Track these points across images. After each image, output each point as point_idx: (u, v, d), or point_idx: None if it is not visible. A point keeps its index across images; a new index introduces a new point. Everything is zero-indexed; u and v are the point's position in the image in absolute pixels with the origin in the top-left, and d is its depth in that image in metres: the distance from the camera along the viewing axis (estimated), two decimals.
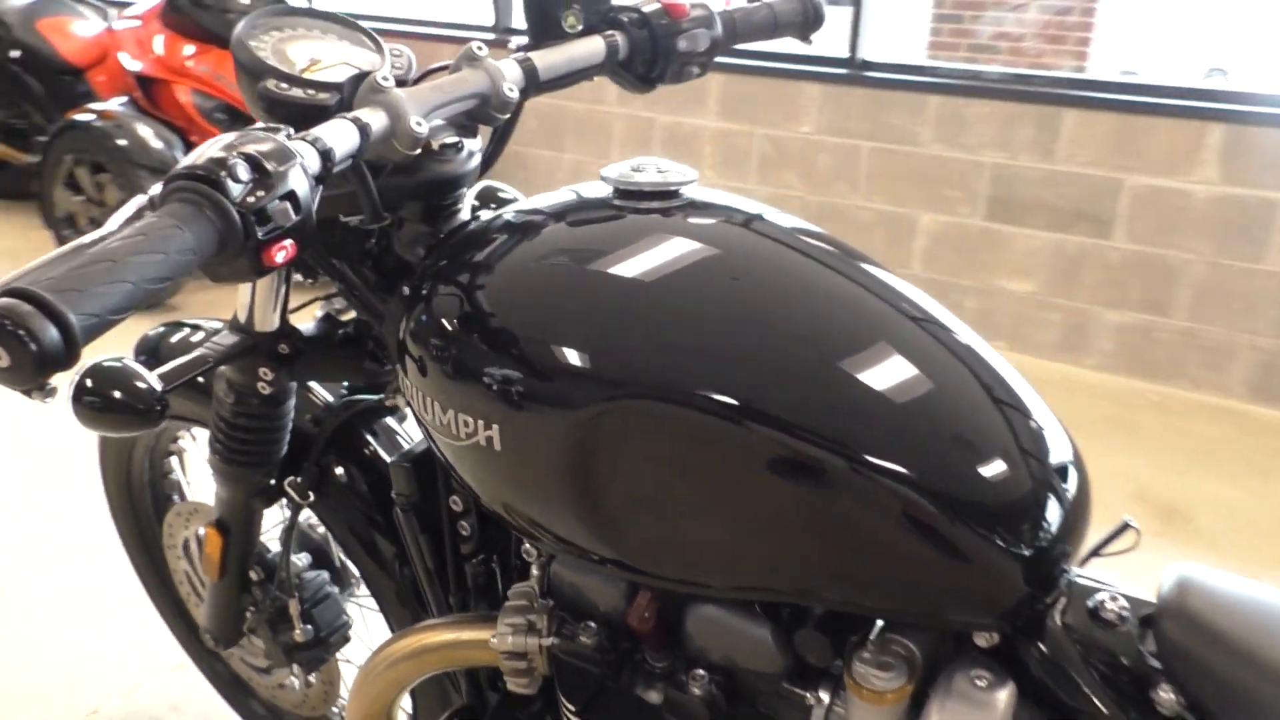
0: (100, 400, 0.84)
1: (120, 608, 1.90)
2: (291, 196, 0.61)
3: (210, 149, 0.60)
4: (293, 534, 1.12)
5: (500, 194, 1.14)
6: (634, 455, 0.72)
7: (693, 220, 0.82)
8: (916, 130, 3.57)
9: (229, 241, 0.58)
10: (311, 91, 0.80)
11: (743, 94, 3.87)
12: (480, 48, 0.87)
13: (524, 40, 0.95)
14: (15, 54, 4.23)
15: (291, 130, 0.65)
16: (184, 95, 3.65)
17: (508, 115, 0.86)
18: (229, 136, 0.61)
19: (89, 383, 0.85)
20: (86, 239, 0.62)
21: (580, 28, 0.94)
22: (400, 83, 0.88)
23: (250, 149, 0.60)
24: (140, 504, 1.46)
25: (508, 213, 0.89)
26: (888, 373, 0.71)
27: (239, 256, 0.59)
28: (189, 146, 3.65)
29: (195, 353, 0.94)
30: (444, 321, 0.79)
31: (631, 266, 0.77)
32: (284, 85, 0.80)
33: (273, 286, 0.96)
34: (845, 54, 3.69)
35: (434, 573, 0.99)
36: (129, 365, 0.87)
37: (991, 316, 3.57)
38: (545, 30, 0.94)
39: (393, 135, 0.77)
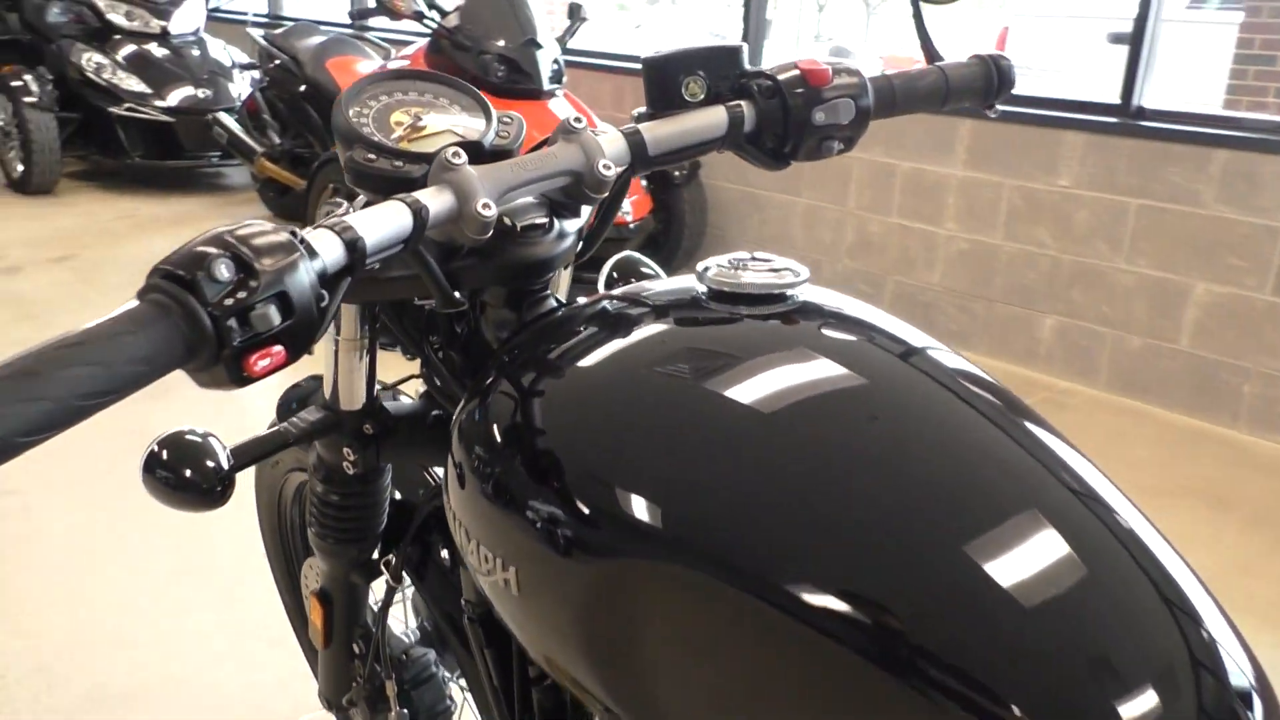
0: (170, 476, 0.82)
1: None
2: (282, 298, 0.54)
3: (199, 240, 0.54)
4: (387, 614, 1.07)
5: (642, 269, 1.04)
6: (682, 636, 0.58)
7: (798, 335, 0.67)
8: (1197, 188, 3.14)
9: (198, 349, 0.52)
10: (399, 163, 0.74)
11: (994, 140, 3.57)
12: (578, 120, 0.78)
13: (640, 109, 0.85)
14: (302, 89, 4.65)
15: (295, 228, 0.58)
16: None
17: (604, 195, 0.77)
18: (224, 226, 0.55)
19: (163, 454, 0.84)
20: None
21: (702, 97, 0.83)
22: (504, 154, 0.80)
23: (238, 243, 0.53)
24: (289, 546, 1.47)
25: (590, 308, 0.79)
26: (1025, 564, 0.53)
27: (214, 365, 0.53)
28: None
29: (274, 429, 0.90)
30: (489, 430, 0.70)
31: (713, 394, 0.63)
32: (370, 156, 0.75)
33: (355, 360, 0.91)
34: (1118, 100, 3.32)
35: (499, 692, 0.90)
36: (205, 440, 0.84)
37: (1275, 406, 3.06)
38: (664, 99, 0.83)
39: (459, 218, 0.69)
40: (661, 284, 0.80)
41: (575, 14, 4.18)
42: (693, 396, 0.64)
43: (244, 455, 0.86)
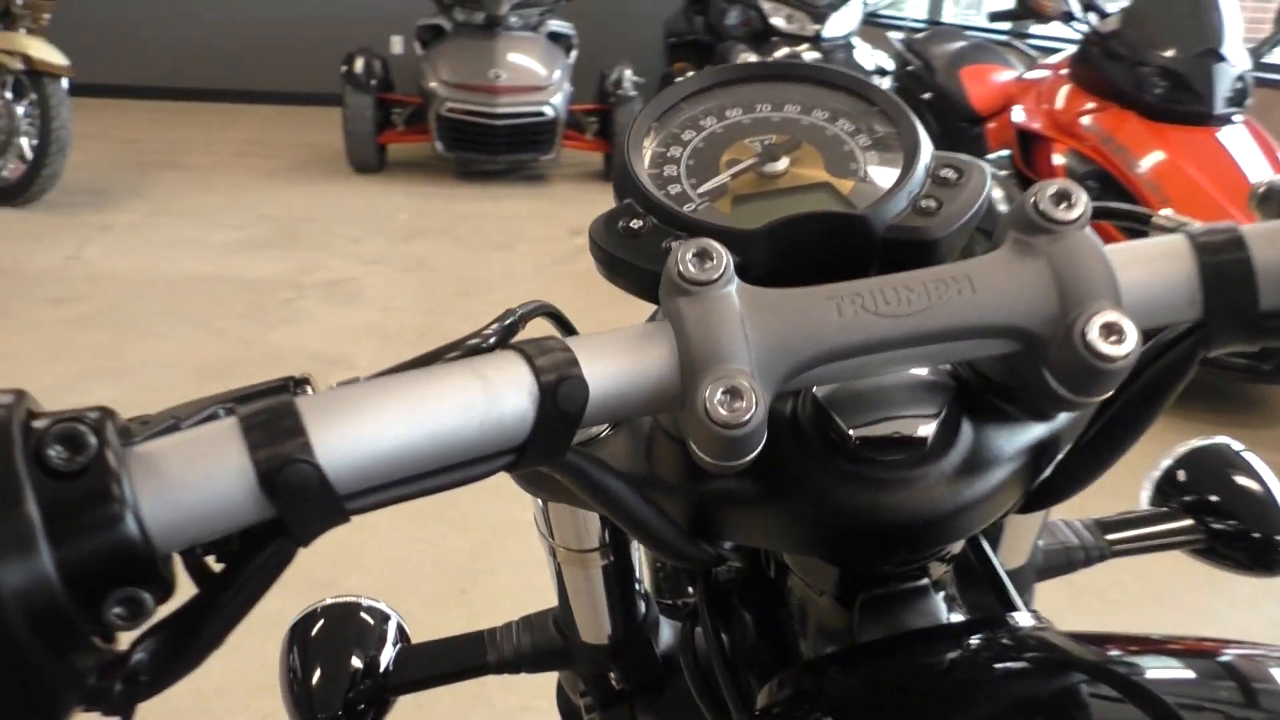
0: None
1: None
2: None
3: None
4: None
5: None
6: None
7: None
8: None
9: None
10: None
11: None
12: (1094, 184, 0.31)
13: None
14: (927, 96, 4.30)
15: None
16: (1059, 157, 3.23)
17: (1102, 396, 0.34)
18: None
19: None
20: None
21: None
22: (917, 249, 0.42)
23: None
24: None
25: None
26: None
27: None
28: None
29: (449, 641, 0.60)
30: None
31: None
32: (636, 222, 0.42)
33: (592, 582, 0.57)
34: None
35: None
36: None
37: None
38: None
39: (668, 402, 0.36)
40: None
41: None
42: None
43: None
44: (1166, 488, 0.68)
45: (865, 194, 0.43)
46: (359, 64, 5.49)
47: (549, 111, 5.42)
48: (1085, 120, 3.24)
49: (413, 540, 2.24)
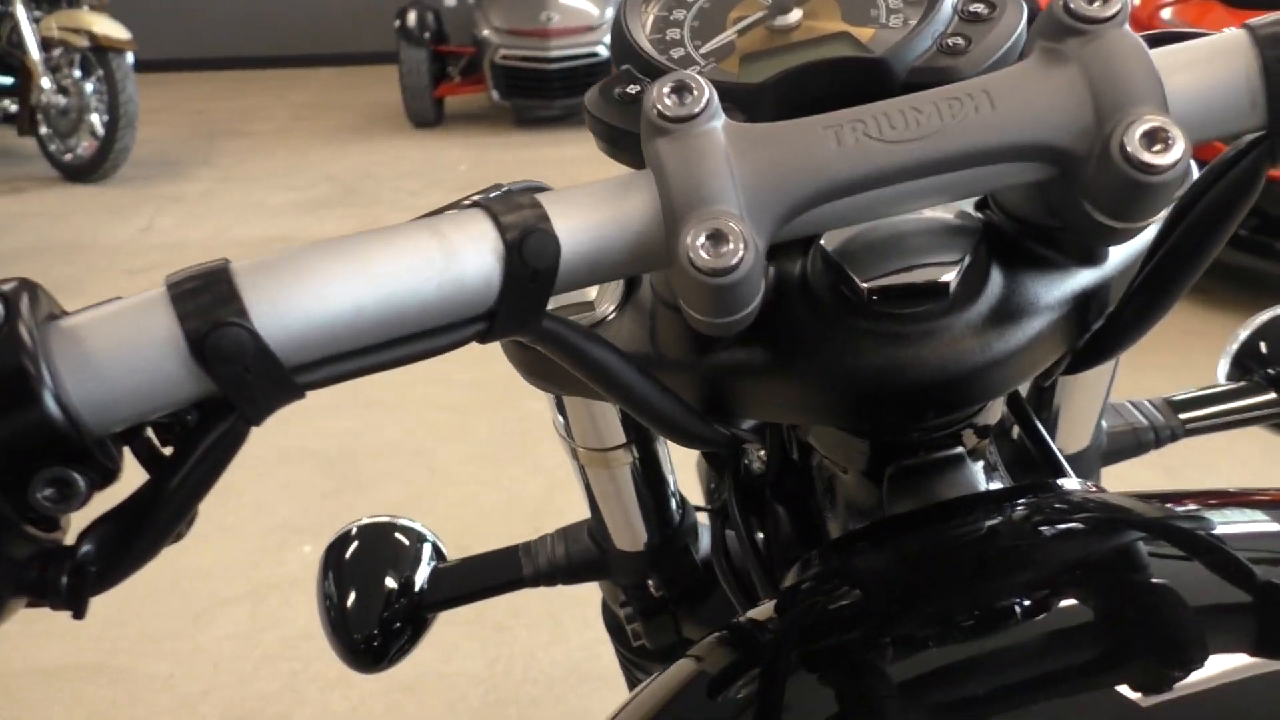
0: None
1: None
2: None
3: None
4: None
5: None
6: None
7: None
8: None
9: None
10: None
11: None
12: None
13: None
14: None
15: None
16: None
17: (1153, 216, 0.34)
18: None
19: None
20: None
21: None
22: (939, 76, 0.36)
23: None
24: None
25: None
26: None
27: None
28: None
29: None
30: None
31: None
32: (632, 87, 0.38)
33: (620, 483, 0.55)
34: None
35: None
36: None
37: None
38: None
39: (654, 259, 0.33)
40: None
41: None
42: None
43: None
44: (1246, 360, 0.62)
45: (887, 40, 0.39)
46: (411, 17, 5.47)
47: (603, 51, 5.33)
48: (1165, 14, 3.06)
49: (486, 485, 2.26)
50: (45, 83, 4.48)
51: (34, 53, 4.44)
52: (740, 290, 0.30)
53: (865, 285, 0.35)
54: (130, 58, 4.54)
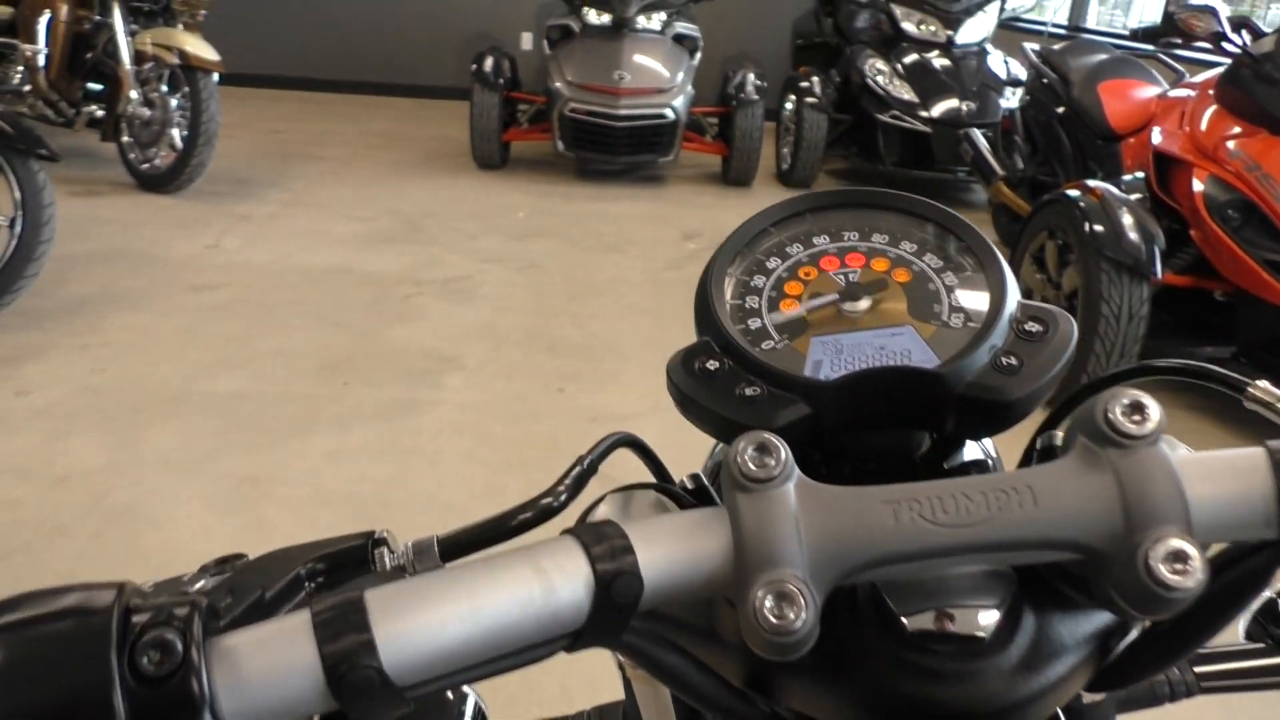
0: None
1: None
2: None
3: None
4: None
5: None
6: None
7: None
8: None
9: None
10: (753, 389, 0.42)
11: None
12: (1140, 418, 0.34)
13: None
14: (1061, 110, 4.14)
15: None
16: (1199, 183, 3.06)
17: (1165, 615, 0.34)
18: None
19: None
20: None
21: None
22: (1006, 410, 0.42)
23: None
24: None
25: None
26: None
27: None
28: (1184, 243, 3.09)
29: None
30: None
31: None
32: (712, 362, 0.44)
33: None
34: None
35: None
36: None
37: None
38: None
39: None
40: None
41: None
42: None
43: None
44: (1265, 619, 0.64)
45: (946, 341, 0.42)
46: (488, 63, 5.61)
47: (670, 114, 5.43)
48: (1230, 145, 3.07)
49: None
50: (133, 94, 4.64)
51: (127, 64, 4.61)
52: (800, 643, 0.34)
53: (906, 621, 0.38)
54: (216, 78, 4.70)
